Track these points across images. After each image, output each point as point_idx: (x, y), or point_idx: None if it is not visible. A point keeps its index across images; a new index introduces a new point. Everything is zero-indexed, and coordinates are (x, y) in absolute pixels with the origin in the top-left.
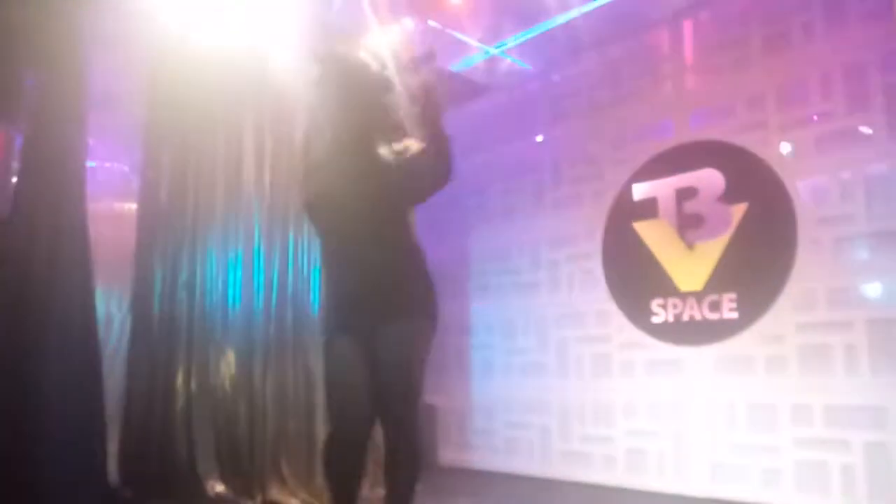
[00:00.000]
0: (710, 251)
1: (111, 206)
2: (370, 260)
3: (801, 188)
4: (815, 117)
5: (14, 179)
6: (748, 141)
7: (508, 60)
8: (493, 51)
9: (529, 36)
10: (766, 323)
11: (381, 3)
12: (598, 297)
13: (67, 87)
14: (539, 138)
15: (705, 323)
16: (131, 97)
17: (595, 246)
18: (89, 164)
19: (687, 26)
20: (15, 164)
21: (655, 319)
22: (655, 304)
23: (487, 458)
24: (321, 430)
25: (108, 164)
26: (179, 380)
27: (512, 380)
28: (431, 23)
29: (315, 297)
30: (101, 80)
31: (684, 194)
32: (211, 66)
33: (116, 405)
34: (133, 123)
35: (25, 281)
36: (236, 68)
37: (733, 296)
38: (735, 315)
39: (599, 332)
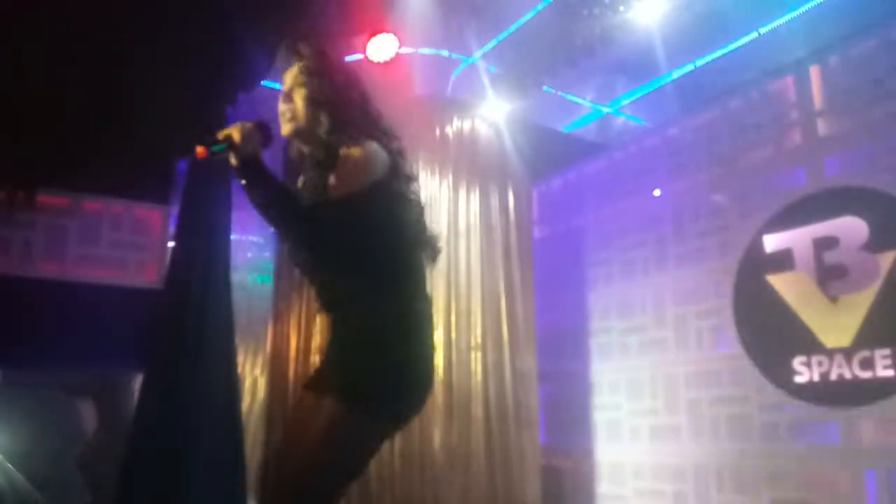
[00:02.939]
0: (858, 304)
1: (246, 276)
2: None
3: None
4: None
5: (169, 253)
6: (891, 185)
7: (623, 118)
8: (607, 110)
9: (644, 93)
10: None
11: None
12: (731, 355)
13: (213, 169)
14: (657, 192)
15: (857, 382)
16: None
17: (725, 301)
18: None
19: (814, 72)
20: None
21: (799, 378)
22: (798, 363)
23: None
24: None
25: (243, 237)
26: None
27: (641, 442)
28: (546, 88)
29: None
30: None
31: (823, 244)
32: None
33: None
34: None
35: (177, 346)
36: None
37: (887, 352)
38: (891, 373)
39: (735, 393)
